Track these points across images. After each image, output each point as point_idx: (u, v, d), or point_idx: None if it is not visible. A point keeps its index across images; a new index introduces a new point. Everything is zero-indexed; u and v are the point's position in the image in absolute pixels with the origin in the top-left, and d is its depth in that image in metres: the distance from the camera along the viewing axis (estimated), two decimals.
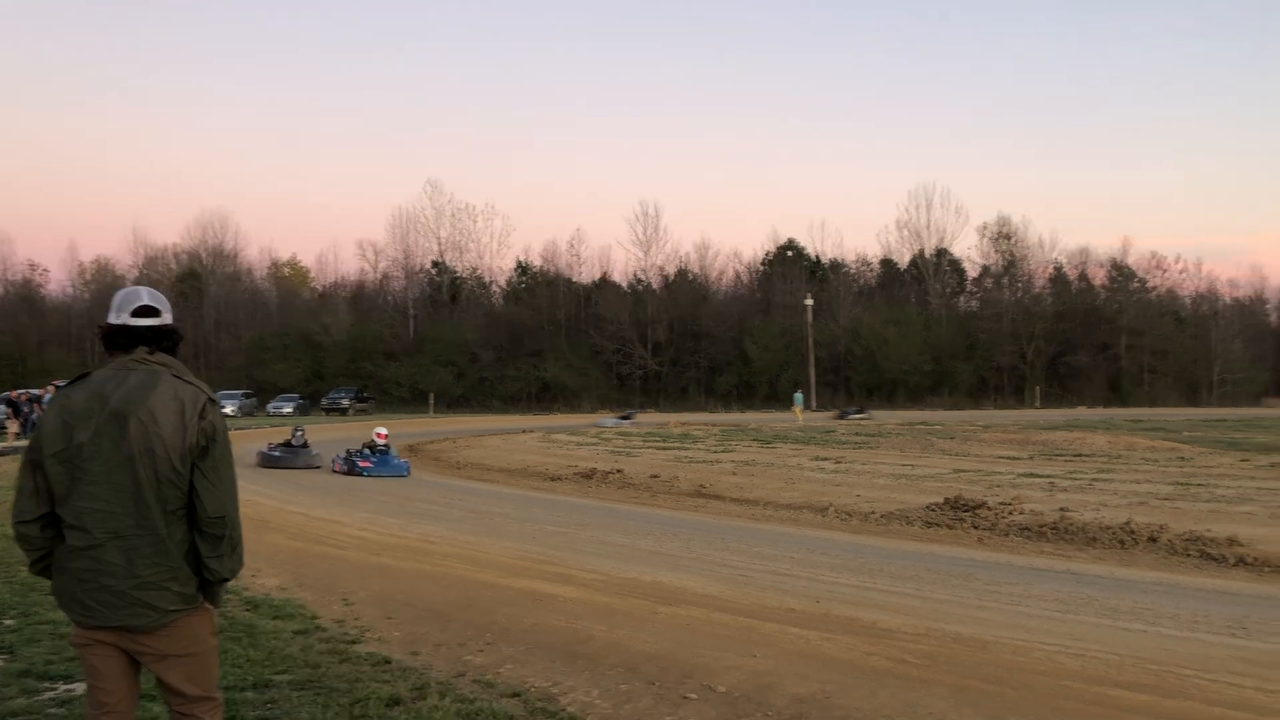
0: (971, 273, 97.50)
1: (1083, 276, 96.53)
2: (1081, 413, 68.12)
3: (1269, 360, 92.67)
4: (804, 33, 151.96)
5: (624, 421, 53.49)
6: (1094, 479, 21.18)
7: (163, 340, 3.69)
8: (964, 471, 23.31)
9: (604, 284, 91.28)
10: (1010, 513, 16.45)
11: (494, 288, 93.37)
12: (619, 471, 24.74)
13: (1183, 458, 27.94)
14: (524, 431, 46.55)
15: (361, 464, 23.81)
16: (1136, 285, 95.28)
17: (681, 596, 9.66)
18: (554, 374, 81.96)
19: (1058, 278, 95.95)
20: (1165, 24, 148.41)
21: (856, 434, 41.76)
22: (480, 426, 51.98)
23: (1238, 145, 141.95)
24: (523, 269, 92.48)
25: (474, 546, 13.17)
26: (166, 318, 3.72)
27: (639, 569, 11.37)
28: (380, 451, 24.54)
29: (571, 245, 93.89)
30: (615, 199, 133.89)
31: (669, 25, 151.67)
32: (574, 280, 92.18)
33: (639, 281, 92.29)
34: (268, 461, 25.87)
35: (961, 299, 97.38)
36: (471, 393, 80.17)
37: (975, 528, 15.82)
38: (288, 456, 26.01)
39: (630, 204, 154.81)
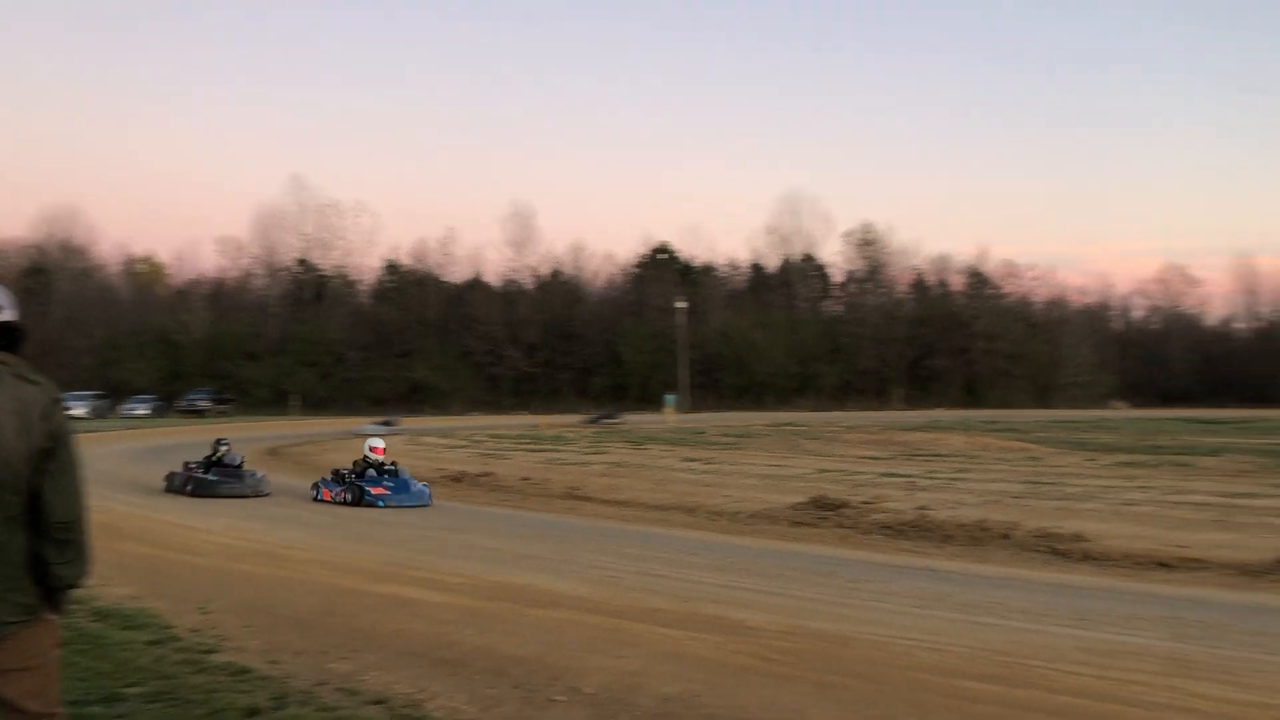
0: (837, 278, 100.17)
1: (942, 283, 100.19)
2: (940, 414, 70.55)
3: (1114, 364, 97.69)
4: (675, 38, 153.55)
5: (384, 428, 47.86)
6: (951, 478, 21.96)
7: (3, 338, 3.51)
8: (828, 471, 23.88)
9: (475, 284, 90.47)
10: (872, 511, 16.92)
11: (361, 286, 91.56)
12: (490, 474, 24.53)
13: (1034, 458, 29.22)
14: (392, 434, 45.74)
15: (375, 491, 18.55)
16: (992, 292, 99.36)
17: (551, 599, 9.65)
18: (423, 375, 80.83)
19: (918, 284, 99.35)
20: (1020, 41, 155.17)
21: (726, 435, 42.37)
22: (346, 429, 50.80)
23: (1087, 157, 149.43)
24: (392, 268, 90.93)
25: (338, 552, 12.89)
26: (8, 314, 3.54)
27: (508, 572, 11.31)
28: (388, 472, 19.27)
29: (442, 244, 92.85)
30: (488, 199, 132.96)
31: (540, 25, 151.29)
32: (444, 280, 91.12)
33: (511, 282, 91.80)
34: (197, 487, 19.56)
35: (827, 303, 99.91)
36: (337, 394, 78.38)
37: (839, 526, 16.21)
38: (228, 481, 19.76)
39: (503, 204, 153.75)
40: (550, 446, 34.57)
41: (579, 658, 7.18)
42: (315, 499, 19.33)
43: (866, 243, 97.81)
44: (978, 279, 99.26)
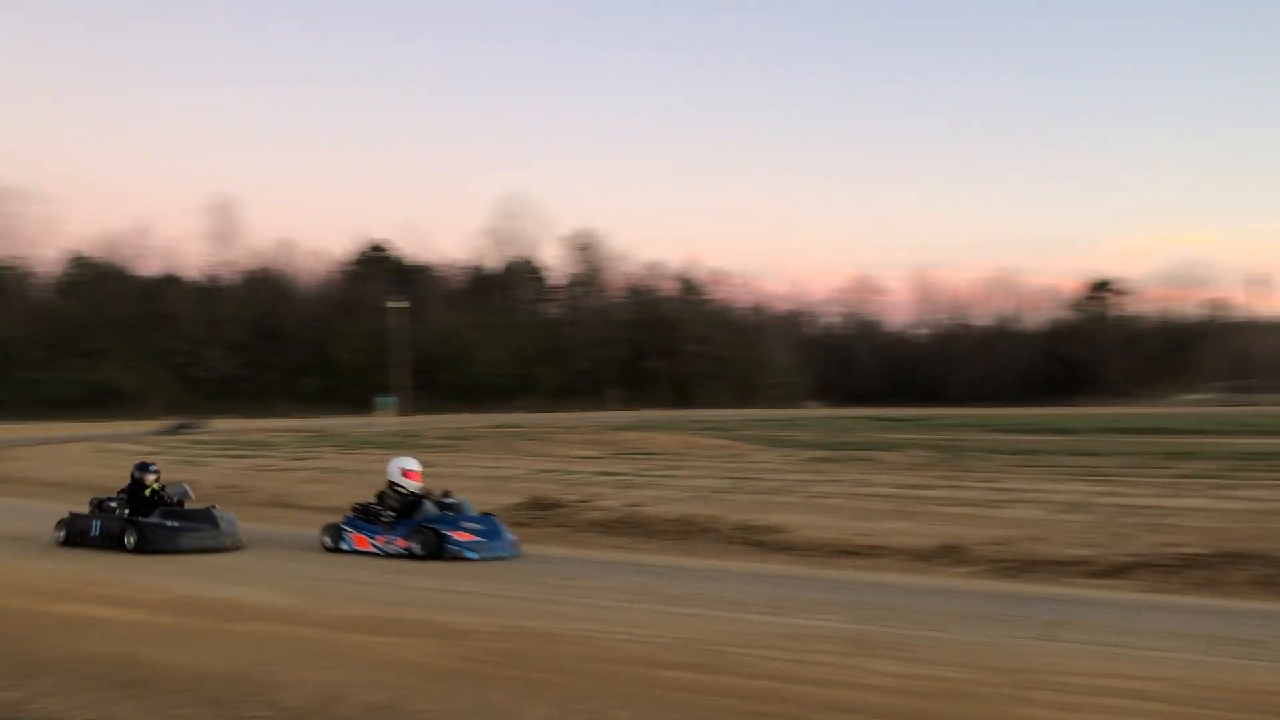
0: (555, 281, 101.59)
1: (655, 288, 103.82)
2: (652, 414, 72.94)
3: (809, 367, 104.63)
4: (391, 33, 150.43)
5: None
6: (661, 476, 22.75)
7: None
8: (546, 471, 24.12)
9: (172, 280, 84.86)
10: (586, 510, 17.28)
11: (40, 280, 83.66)
12: (188, 482, 23.07)
13: (736, 455, 30.75)
14: (75, 441, 42.07)
15: (459, 536, 12.97)
16: (701, 297, 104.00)
17: (252, 612, 9.21)
18: (113, 376, 74.86)
19: (633, 288, 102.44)
20: (729, 54, 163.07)
21: (444, 437, 41.90)
22: (20, 435, 46.30)
23: (790, 171, 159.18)
24: (77, 260, 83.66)
25: (7, 569, 11.74)
26: None
27: (205, 585, 10.70)
28: (449, 506, 13.59)
29: (134, 236, 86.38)
30: (187, 189, 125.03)
31: (245, 13, 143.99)
32: (137, 274, 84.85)
33: (213, 278, 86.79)
34: (148, 539, 13.40)
35: (546, 306, 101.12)
36: (12, 396, 71.23)
37: (555, 525, 16.43)
38: (197, 529, 13.67)
39: (204, 195, 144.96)
40: (254, 453, 32.96)
41: (282, 671, 6.90)
42: (335, 549, 13.60)
43: (584, 247, 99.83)
44: (688, 285, 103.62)
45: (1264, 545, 12.44)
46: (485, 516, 13.55)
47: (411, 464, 14.06)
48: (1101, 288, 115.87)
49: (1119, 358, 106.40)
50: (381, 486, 13.95)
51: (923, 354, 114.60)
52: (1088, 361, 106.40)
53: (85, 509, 14.62)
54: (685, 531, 15.42)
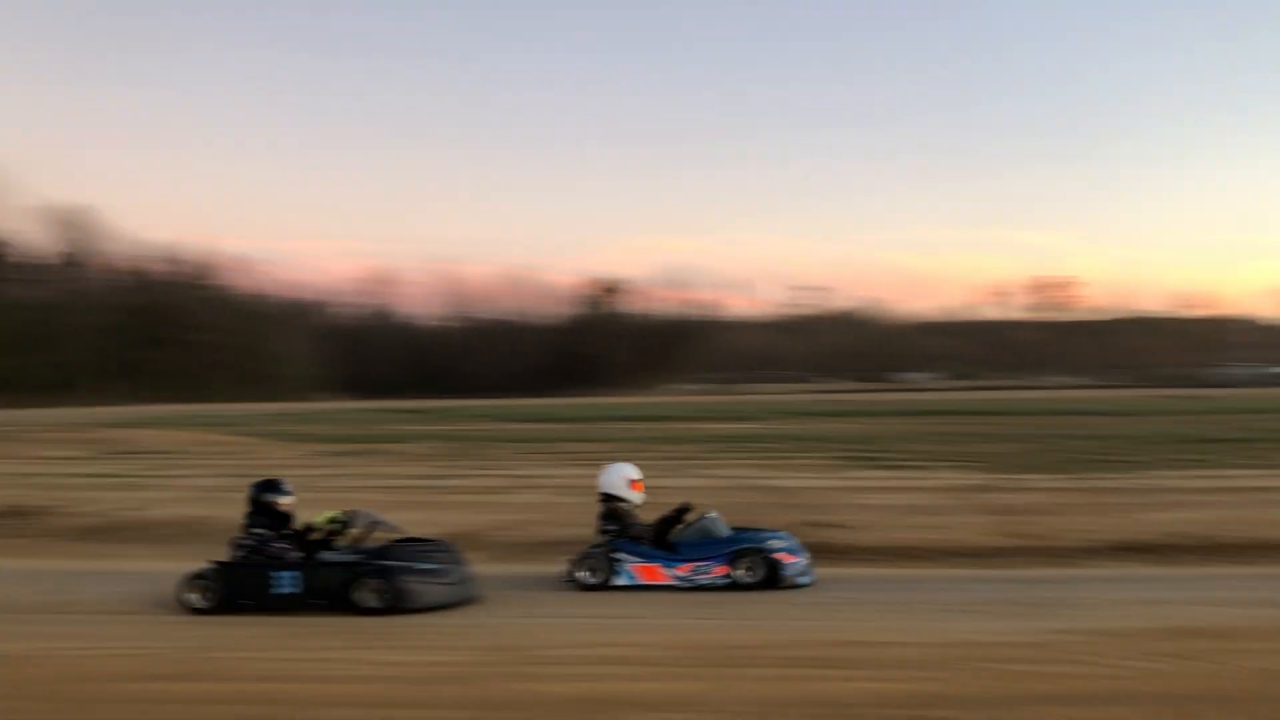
0: (35, 260, 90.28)
1: (158, 272, 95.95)
2: (153, 409, 67.36)
3: (329, 359, 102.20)
4: None
5: None
6: (160, 476, 21.21)
7: None
8: (19, 475, 21.50)
9: None
10: (67, 516, 15.82)
11: None
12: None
13: (245, 451, 29.31)
14: None
15: (781, 559, 10.35)
16: (211, 284, 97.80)
17: None
18: None
19: (132, 271, 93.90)
20: (242, 40, 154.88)
21: None
22: None
23: (307, 158, 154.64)
24: None
25: None
26: None
27: None
28: (704, 519, 10.88)
29: None
30: None
31: None
32: None
33: None
34: (402, 595, 9.17)
35: (21, 287, 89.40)
36: None
37: (33, 535, 14.86)
38: (446, 571, 9.62)
39: None
40: None
41: None
42: (602, 585, 10.38)
43: (70, 224, 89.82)
44: (197, 270, 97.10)
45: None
46: (780, 533, 10.99)
47: (636, 472, 11.22)
48: (607, 288, 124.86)
49: (621, 352, 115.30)
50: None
51: (443, 347, 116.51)
52: (594, 355, 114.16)
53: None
54: (187, 534, 14.50)
